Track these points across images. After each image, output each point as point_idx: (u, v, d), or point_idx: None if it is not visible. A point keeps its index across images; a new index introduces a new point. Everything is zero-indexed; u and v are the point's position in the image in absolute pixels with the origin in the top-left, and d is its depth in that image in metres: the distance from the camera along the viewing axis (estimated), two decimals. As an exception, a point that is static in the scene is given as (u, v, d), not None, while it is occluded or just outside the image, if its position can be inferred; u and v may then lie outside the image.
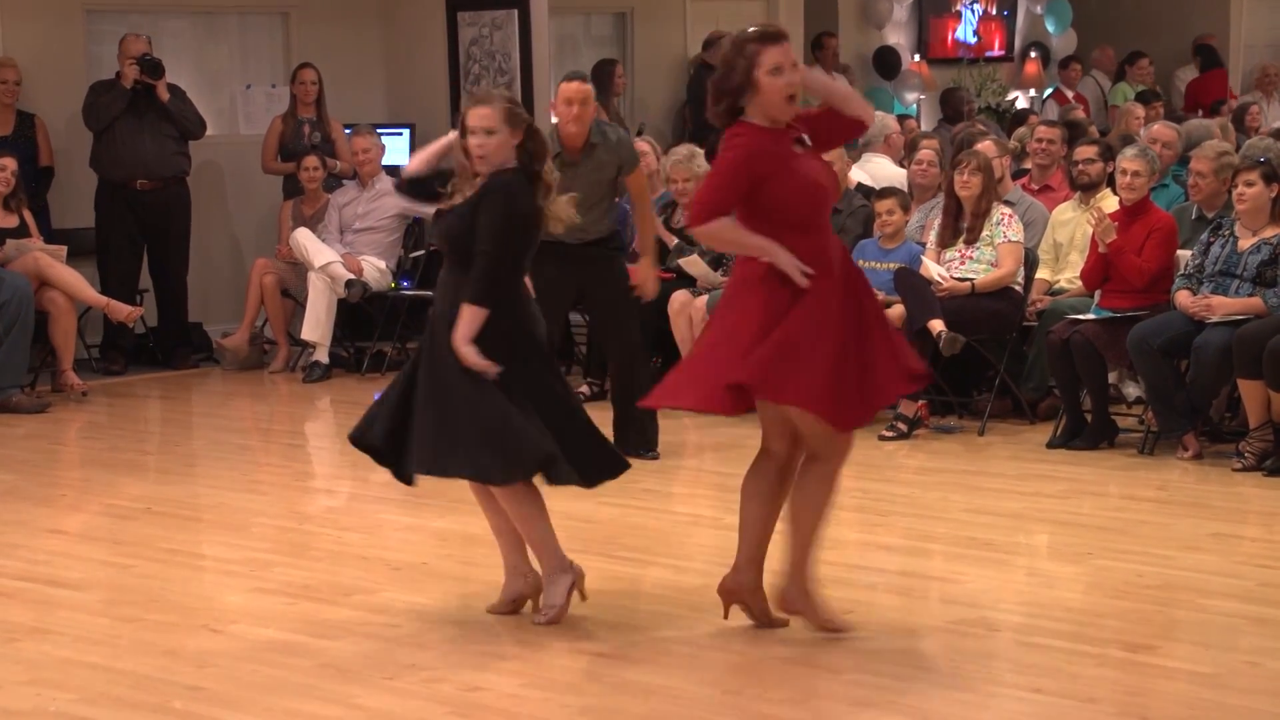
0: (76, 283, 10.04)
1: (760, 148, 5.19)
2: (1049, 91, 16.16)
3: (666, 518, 7.03)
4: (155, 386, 10.67)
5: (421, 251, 11.28)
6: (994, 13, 16.44)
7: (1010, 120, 13.99)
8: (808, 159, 5.27)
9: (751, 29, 5.23)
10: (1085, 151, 9.19)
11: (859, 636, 5.44)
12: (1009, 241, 8.79)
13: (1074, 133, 10.51)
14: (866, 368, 5.19)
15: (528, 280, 5.63)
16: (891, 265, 8.94)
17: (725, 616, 5.47)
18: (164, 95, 10.79)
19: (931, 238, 9.04)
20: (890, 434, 8.52)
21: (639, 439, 7.93)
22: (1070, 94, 15.87)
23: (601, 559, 6.33)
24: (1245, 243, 8.00)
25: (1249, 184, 7.96)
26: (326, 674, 5.20)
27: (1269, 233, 7.97)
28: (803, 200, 5.21)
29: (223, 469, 8.33)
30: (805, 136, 5.27)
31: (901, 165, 10.71)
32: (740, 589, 5.43)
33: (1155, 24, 16.69)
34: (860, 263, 9.13)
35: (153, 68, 10.71)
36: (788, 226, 5.17)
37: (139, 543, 6.84)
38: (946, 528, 6.83)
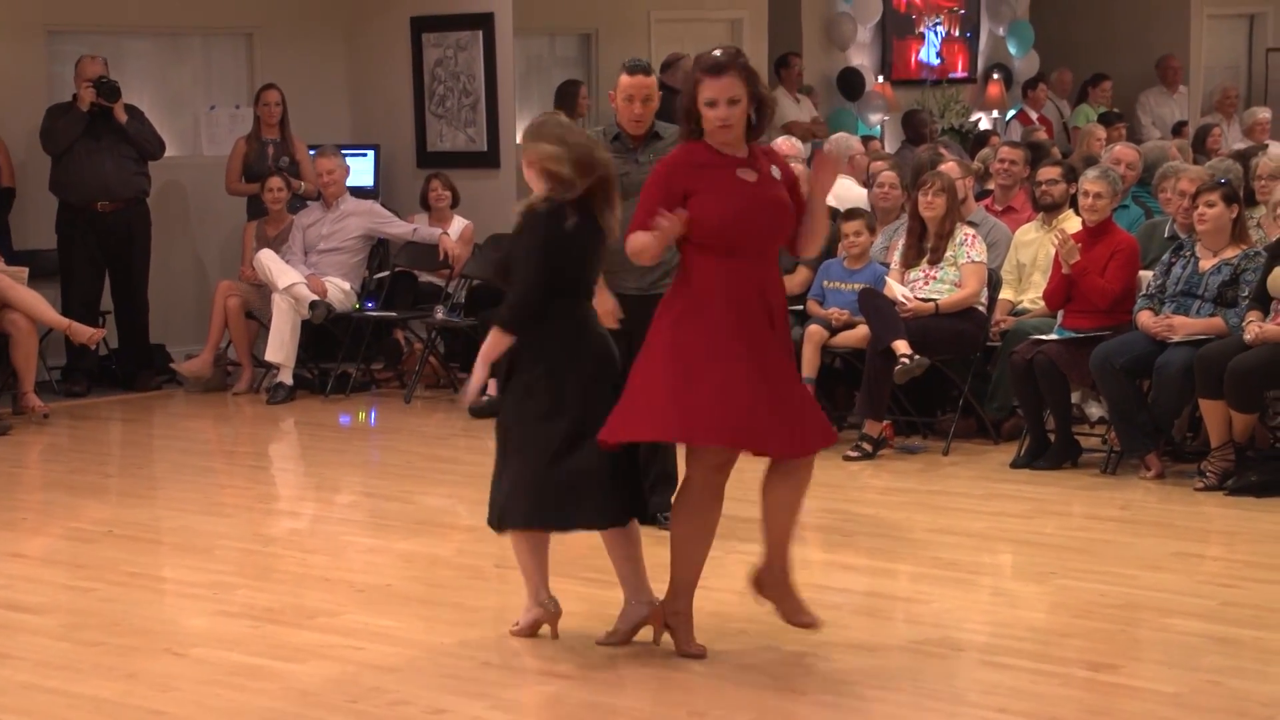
0: (38, 304, 10.00)
1: (679, 161, 5.29)
2: (1012, 113, 16.25)
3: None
4: (117, 408, 10.62)
5: (386, 273, 11.27)
6: (957, 34, 16.52)
7: (973, 141, 14.06)
8: (759, 188, 5.25)
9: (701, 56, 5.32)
10: (1048, 173, 9.24)
11: (824, 657, 5.45)
12: (972, 262, 8.82)
13: (1036, 154, 10.56)
14: (760, 403, 5.20)
15: None
16: (856, 286, 8.97)
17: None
18: (122, 117, 10.75)
19: (895, 258, 9.07)
20: (855, 454, 8.54)
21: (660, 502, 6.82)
22: (1035, 115, 15.96)
23: (567, 580, 6.31)
24: (1206, 263, 8.05)
25: (1210, 205, 8.02)
26: (290, 697, 5.18)
27: (1229, 253, 8.03)
28: (721, 227, 5.25)
29: (185, 491, 8.29)
30: (775, 167, 5.28)
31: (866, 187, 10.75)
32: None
33: (1116, 46, 16.81)
34: (825, 283, 9.20)
35: (110, 90, 10.66)
36: (701, 246, 5.24)
37: (100, 566, 6.80)
38: (911, 548, 6.84)
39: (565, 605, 5.93)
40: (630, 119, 6.91)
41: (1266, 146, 12.35)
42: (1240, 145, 13.11)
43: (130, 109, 10.85)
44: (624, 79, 6.96)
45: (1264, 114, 15.07)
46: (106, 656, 5.60)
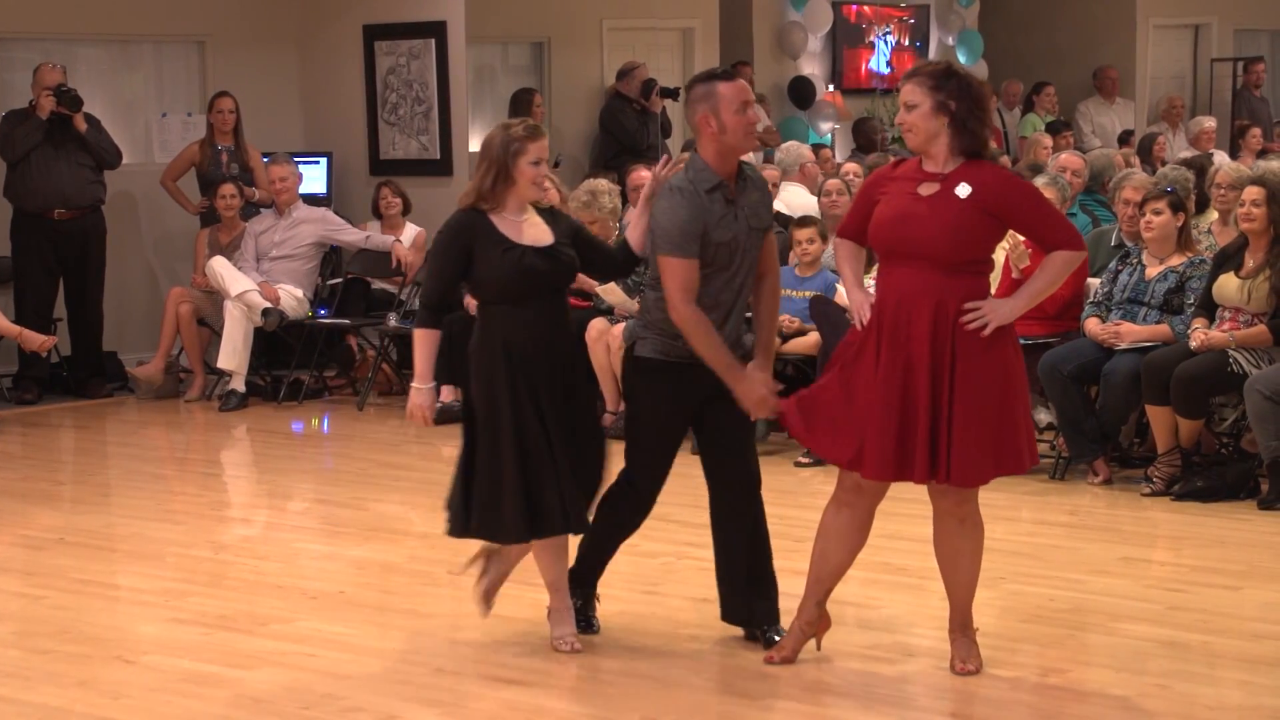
0: (-11, 312, 9.96)
1: (882, 173, 5.41)
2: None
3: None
4: (69, 416, 10.57)
5: (338, 280, 11.26)
6: (906, 44, 16.62)
7: (923, 150, 14.11)
8: (926, 201, 5.20)
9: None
10: (997, 181, 9.29)
11: (775, 662, 5.48)
12: (922, 270, 8.86)
13: (985, 163, 10.61)
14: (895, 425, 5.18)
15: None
16: (807, 293, 9.02)
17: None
18: (81, 126, 10.72)
19: (847, 266, 9.10)
20: (806, 460, 8.58)
21: (765, 609, 5.74)
22: (984, 124, 16.05)
23: (520, 587, 6.33)
24: (1152, 271, 8.14)
25: (1156, 213, 8.11)
26: (242, 704, 5.18)
27: (1175, 261, 8.11)
28: (876, 232, 5.31)
29: (138, 498, 8.26)
30: (965, 185, 5.16)
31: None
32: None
33: (1063, 56, 16.96)
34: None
35: (71, 100, 10.62)
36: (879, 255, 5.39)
37: (52, 573, 6.78)
38: (862, 553, 6.85)
39: (518, 611, 5.96)
40: (747, 130, 5.48)
41: (1212, 155, 12.47)
42: (1186, 154, 13.23)
43: (88, 118, 10.82)
44: (738, 85, 5.43)
45: (1210, 123, 15.22)
46: (57, 664, 5.59)
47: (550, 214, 5.65)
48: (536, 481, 5.42)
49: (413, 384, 5.55)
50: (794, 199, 10.94)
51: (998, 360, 5.18)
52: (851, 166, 10.60)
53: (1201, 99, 17.73)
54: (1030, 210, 5.26)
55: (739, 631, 5.71)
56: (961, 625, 5.40)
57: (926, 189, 5.21)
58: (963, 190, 5.16)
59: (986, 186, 5.17)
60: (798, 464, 8.53)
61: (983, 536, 5.40)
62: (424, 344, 5.52)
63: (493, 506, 5.47)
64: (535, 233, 5.53)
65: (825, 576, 5.48)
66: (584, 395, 5.69)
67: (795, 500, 7.87)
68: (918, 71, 5.28)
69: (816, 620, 5.51)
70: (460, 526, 5.57)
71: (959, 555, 5.36)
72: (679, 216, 5.33)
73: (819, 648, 5.54)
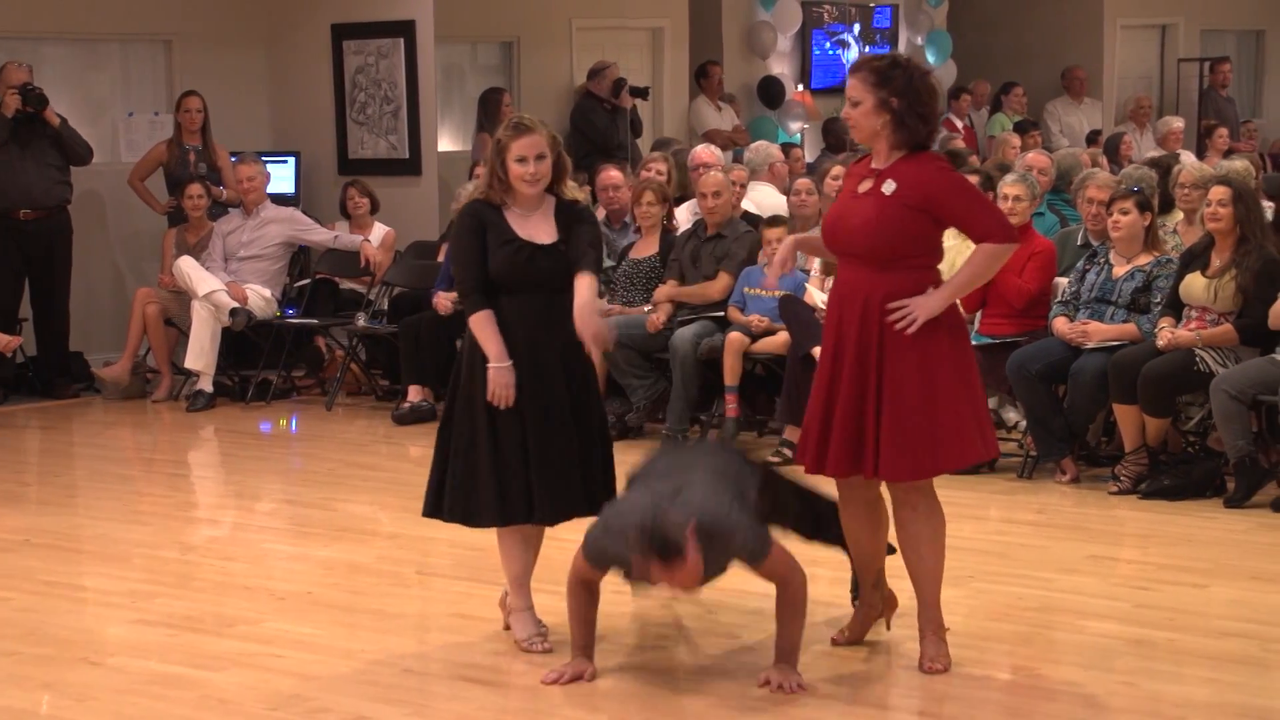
0: (-47, 313, 9.89)
1: (848, 169, 5.52)
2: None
3: (552, 544, 7.02)
4: (35, 416, 10.52)
5: (307, 280, 11.22)
6: (876, 43, 16.63)
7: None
8: (859, 198, 5.26)
9: None
10: (966, 180, 9.31)
11: (744, 661, 5.49)
12: (891, 269, 8.87)
13: (954, 162, 10.63)
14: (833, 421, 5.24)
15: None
16: (777, 292, 9.02)
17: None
18: (54, 120, 10.68)
19: (816, 266, 9.13)
20: (776, 460, 8.57)
21: None
22: (960, 124, 16.09)
23: (488, 587, 6.33)
24: (1119, 270, 8.17)
25: (1124, 212, 8.14)
26: (208, 705, 5.17)
27: (1142, 260, 8.14)
28: (823, 232, 5.42)
29: (104, 499, 8.23)
30: (891, 181, 5.20)
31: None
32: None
33: (1031, 56, 17.01)
34: (746, 289, 9.24)
35: (36, 99, 10.58)
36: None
37: (17, 575, 6.74)
38: (830, 552, 6.83)
39: (486, 612, 5.96)
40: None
41: (1179, 155, 12.52)
42: (1153, 153, 13.27)
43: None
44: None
45: (1178, 124, 15.28)
46: (22, 666, 5.56)
47: (563, 207, 5.60)
48: (508, 470, 5.45)
49: (490, 365, 5.45)
50: (763, 198, 10.94)
51: (927, 354, 5.18)
52: (839, 170, 10.53)
53: (1168, 99, 17.81)
54: (955, 203, 5.25)
55: (707, 631, 5.71)
56: (930, 623, 5.41)
57: (864, 186, 5.28)
58: (888, 187, 5.20)
59: (910, 182, 5.19)
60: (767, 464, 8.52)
61: (942, 525, 5.39)
62: (484, 325, 5.47)
63: (467, 491, 5.50)
64: (542, 229, 5.54)
65: (865, 560, 5.55)
66: (584, 390, 5.60)
67: (764, 499, 7.89)
68: (862, 66, 5.28)
69: (877, 603, 5.61)
70: (432, 507, 5.62)
71: (919, 542, 5.37)
72: None
73: (889, 628, 5.68)
